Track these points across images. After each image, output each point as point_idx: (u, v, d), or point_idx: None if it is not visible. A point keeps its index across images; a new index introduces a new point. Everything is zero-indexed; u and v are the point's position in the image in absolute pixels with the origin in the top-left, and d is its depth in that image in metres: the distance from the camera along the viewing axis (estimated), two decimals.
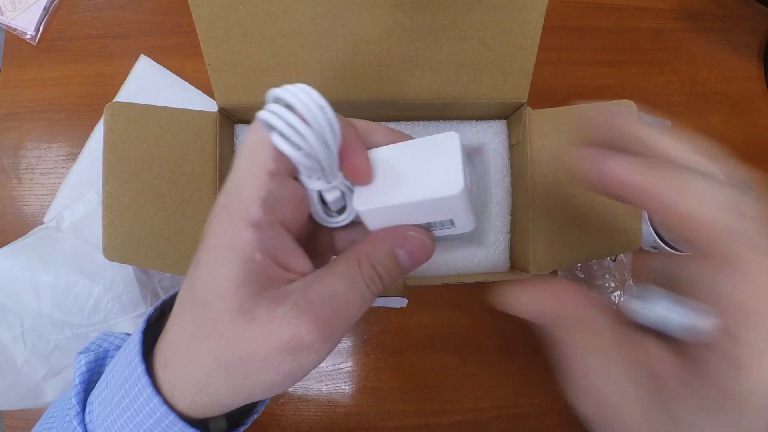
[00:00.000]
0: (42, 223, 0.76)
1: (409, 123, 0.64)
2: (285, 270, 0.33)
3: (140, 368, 0.34)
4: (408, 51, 0.55)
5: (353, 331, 0.77)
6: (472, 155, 0.69)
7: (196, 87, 0.80)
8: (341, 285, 0.33)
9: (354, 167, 0.36)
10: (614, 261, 0.80)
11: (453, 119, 0.65)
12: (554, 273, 0.80)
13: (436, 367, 0.77)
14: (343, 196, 0.37)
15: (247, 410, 0.42)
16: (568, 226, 0.59)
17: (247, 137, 0.35)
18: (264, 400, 0.43)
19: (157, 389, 0.34)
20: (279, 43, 0.53)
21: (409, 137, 0.39)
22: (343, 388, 0.76)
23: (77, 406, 0.37)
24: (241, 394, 0.34)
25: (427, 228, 0.36)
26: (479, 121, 0.65)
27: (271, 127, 0.31)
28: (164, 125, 0.55)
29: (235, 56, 0.54)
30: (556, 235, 0.59)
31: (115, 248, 0.55)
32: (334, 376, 0.76)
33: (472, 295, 0.78)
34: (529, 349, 0.78)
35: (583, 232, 0.59)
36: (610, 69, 0.85)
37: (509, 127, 0.65)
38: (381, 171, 0.36)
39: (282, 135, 0.31)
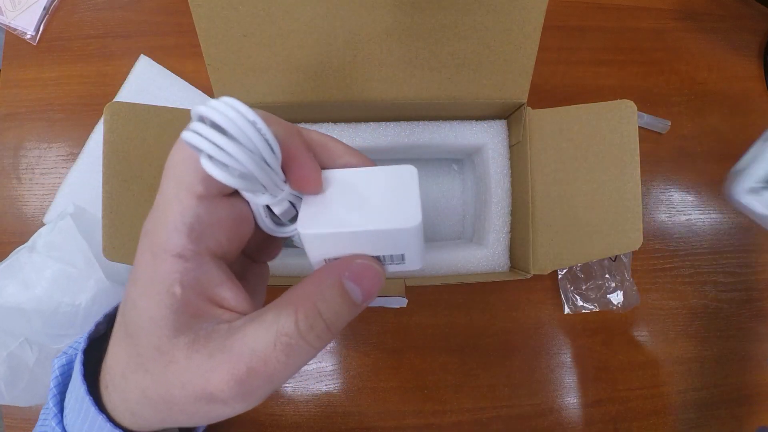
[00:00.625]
0: (42, 223, 0.76)
1: (409, 123, 0.64)
2: (214, 304, 0.31)
3: (83, 389, 0.33)
4: (408, 51, 0.55)
5: (353, 331, 0.77)
6: (472, 155, 0.69)
7: (196, 87, 0.80)
8: (265, 339, 0.28)
9: (300, 178, 0.33)
10: (614, 261, 0.80)
11: (453, 119, 0.65)
12: (554, 273, 0.80)
13: (436, 367, 0.77)
14: (294, 206, 0.34)
15: None
16: (568, 227, 0.59)
17: (171, 156, 0.31)
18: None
19: (101, 407, 0.33)
20: (279, 43, 0.53)
21: (368, 160, 0.37)
22: (343, 388, 0.76)
23: (54, 409, 0.37)
24: (168, 424, 0.32)
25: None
26: (479, 121, 0.65)
27: (198, 150, 0.27)
28: (164, 125, 0.55)
29: (235, 56, 0.54)
30: (556, 235, 0.59)
31: (115, 248, 0.55)
32: (334, 376, 0.76)
33: (472, 295, 0.78)
34: (529, 349, 0.78)
35: (583, 233, 0.59)
36: (610, 69, 0.85)
37: (509, 127, 0.65)
38: (333, 194, 0.34)
39: (210, 157, 0.27)
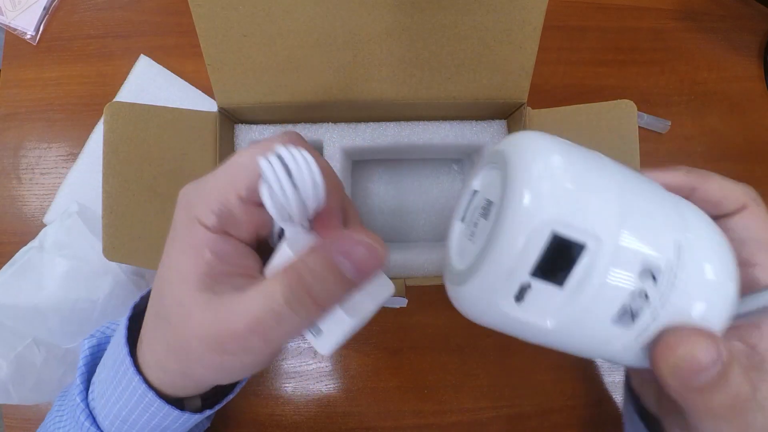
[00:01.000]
0: (42, 223, 0.76)
1: (409, 123, 0.64)
2: (237, 273, 0.35)
3: (124, 350, 0.39)
4: (408, 51, 0.55)
5: None
6: (471, 155, 0.69)
7: (196, 87, 0.80)
8: (258, 302, 0.32)
9: (324, 230, 0.37)
10: None
11: (453, 119, 0.65)
12: None
13: (436, 367, 0.77)
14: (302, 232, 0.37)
15: (223, 391, 0.47)
16: None
17: (239, 155, 0.36)
18: (236, 384, 0.48)
19: (139, 369, 0.39)
20: (279, 43, 0.53)
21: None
22: (343, 388, 0.76)
23: (81, 386, 0.43)
24: (189, 380, 0.38)
25: None
26: (479, 121, 0.65)
27: (265, 178, 0.32)
28: (164, 125, 0.56)
29: (235, 56, 0.54)
30: None
31: (115, 248, 0.55)
32: (334, 376, 0.76)
33: None
34: (529, 349, 0.78)
35: None
36: (610, 69, 0.85)
37: (509, 127, 0.65)
38: None
39: (271, 190, 0.32)
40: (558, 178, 0.28)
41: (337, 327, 0.36)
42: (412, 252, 0.64)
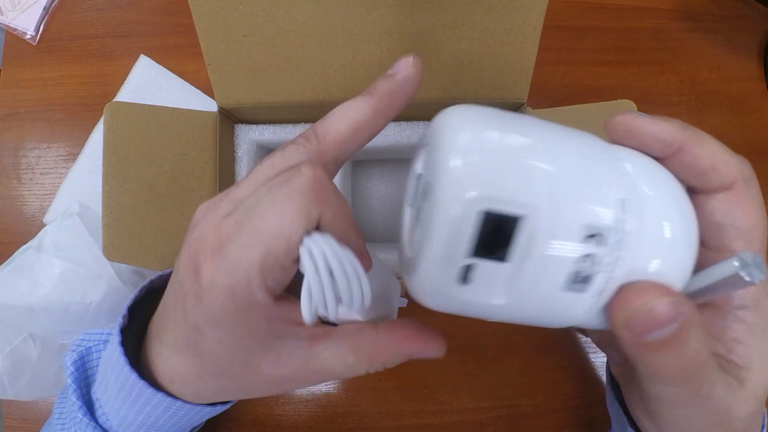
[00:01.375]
0: (42, 223, 0.76)
1: (409, 123, 0.64)
2: (292, 324, 0.36)
3: (133, 377, 0.39)
4: (408, 51, 0.54)
5: None
6: None
7: (196, 87, 0.80)
8: (341, 370, 0.36)
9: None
10: None
11: None
12: None
13: (436, 367, 0.77)
14: None
15: None
16: None
17: (260, 216, 0.32)
18: None
19: (157, 386, 0.39)
20: (279, 43, 0.53)
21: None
22: (343, 388, 0.76)
23: (78, 402, 0.43)
24: (226, 397, 0.41)
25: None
26: None
27: (305, 268, 0.30)
28: (164, 125, 0.56)
29: (235, 56, 0.54)
30: None
31: (115, 248, 0.55)
32: None
33: None
34: (529, 349, 0.78)
35: None
36: (610, 69, 0.85)
37: None
38: None
39: (309, 297, 0.31)
40: (481, 151, 0.27)
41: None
42: None
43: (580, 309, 0.29)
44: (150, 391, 0.38)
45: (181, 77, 0.80)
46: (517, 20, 0.54)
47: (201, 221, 0.35)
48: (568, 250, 0.26)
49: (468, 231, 0.26)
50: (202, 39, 0.53)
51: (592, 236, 0.26)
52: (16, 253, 0.68)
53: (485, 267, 0.27)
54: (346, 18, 0.52)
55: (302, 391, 0.75)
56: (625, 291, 0.28)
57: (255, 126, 0.63)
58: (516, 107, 0.60)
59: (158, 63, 0.81)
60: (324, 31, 0.53)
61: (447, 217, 0.26)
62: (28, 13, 0.81)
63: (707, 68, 0.87)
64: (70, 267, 0.66)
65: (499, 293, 0.28)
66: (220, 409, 0.44)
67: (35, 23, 0.81)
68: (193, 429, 0.50)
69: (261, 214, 0.32)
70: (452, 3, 0.52)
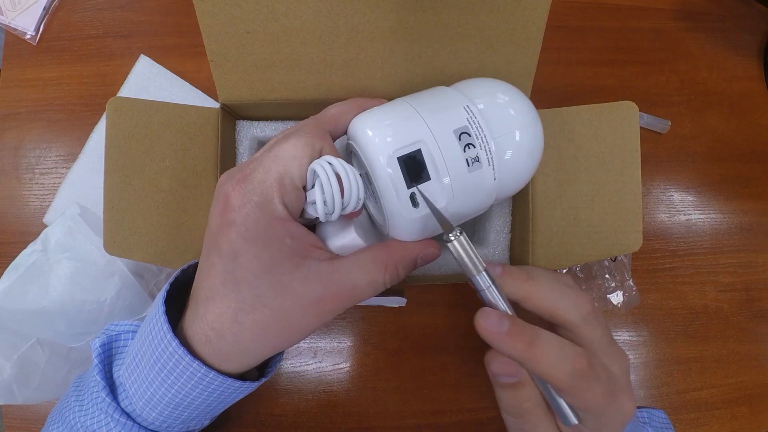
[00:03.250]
0: (42, 223, 0.76)
1: None
2: (313, 247, 0.42)
3: (174, 343, 0.41)
4: (411, 49, 0.55)
5: (353, 331, 0.77)
6: None
7: (196, 87, 0.80)
8: (364, 280, 0.42)
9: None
10: (614, 261, 0.80)
11: None
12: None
13: (436, 367, 0.77)
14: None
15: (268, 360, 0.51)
16: (568, 227, 0.59)
17: (280, 147, 0.42)
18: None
19: (196, 357, 0.41)
20: (282, 40, 0.53)
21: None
22: (343, 388, 0.76)
23: (102, 381, 0.45)
24: (269, 349, 0.42)
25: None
26: None
27: (318, 184, 0.41)
28: (166, 121, 0.56)
29: (238, 52, 0.54)
30: (556, 236, 0.59)
31: (116, 243, 0.55)
32: (334, 376, 0.76)
33: (472, 295, 0.77)
34: None
35: (583, 233, 0.59)
36: (611, 69, 0.85)
37: None
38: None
39: (322, 192, 0.40)
40: (381, 129, 0.42)
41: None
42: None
43: (488, 181, 0.43)
44: (188, 358, 0.40)
45: (181, 77, 0.80)
46: (520, 20, 0.54)
47: (226, 180, 0.42)
48: (455, 147, 0.41)
49: (399, 173, 0.41)
50: (205, 35, 0.52)
51: (462, 133, 0.42)
52: (19, 258, 0.67)
53: (422, 189, 0.41)
54: (349, 16, 0.52)
55: (302, 391, 0.75)
56: (479, 322, 0.42)
57: (257, 123, 0.63)
58: None
59: (158, 63, 0.81)
60: (327, 28, 0.53)
61: (384, 172, 0.41)
62: (28, 13, 0.81)
63: (707, 68, 0.87)
64: (80, 267, 0.66)
65: (439, 200, 0.42)
66: (248, 387, 0.45)
67: (35, 23, 0.81)
68: (213, 417, 0.51)
69: (278, 147, 0.42)
70: (455, 2, 0.52)
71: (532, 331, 0.41)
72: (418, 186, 0.41)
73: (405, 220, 0.42)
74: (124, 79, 0.80)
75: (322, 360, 0.76)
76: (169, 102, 0.56)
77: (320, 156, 0.42)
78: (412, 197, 0.41)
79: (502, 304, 0.43)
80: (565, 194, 0.59)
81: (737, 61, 0.87)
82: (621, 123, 0.58)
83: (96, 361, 0.46)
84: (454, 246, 0.42)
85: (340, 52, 0.54)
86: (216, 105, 0.58)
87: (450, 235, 0.41)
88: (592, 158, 0.59)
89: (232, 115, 0.61)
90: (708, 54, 0.87)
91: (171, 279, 0.47)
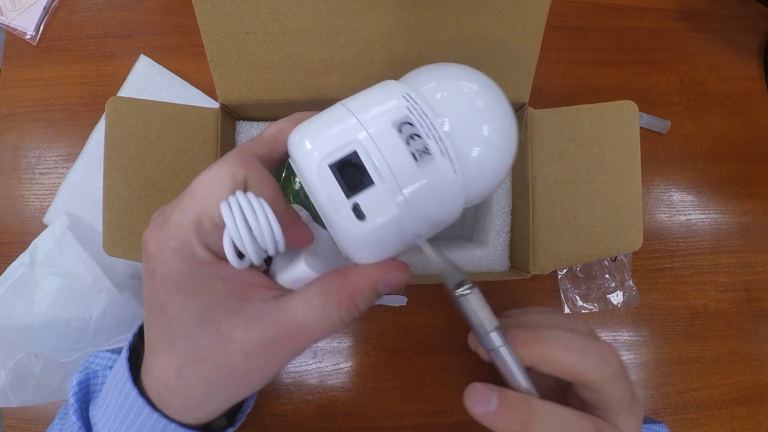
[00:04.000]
0: (42, 223, 0.76)
1: None
2: (254, 286, 0.37)
3: (134, 393, 0.38)
4: (410, 49, 0.55)
5: (353, 331, 0.77)
6: None
7: (196, 87, 0.80)
8: (315, 318, 0.36)
9: (296, 238, 0.40)
10: (614, 261, 0.80)
11: None
12: (554, 273, 0.80)
13: (436, 367, 0.77)
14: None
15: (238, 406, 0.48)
16: (569, 226, 0.59)
17: (198, 183, 0.37)
18: (253, 395, 0.49)
19: (155, 408, 0.38)
20: (281, 40, 0.54)
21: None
22: (343, 388, 0.76)
23: (78, 422, 0.42)
24: (222, 404, 0.38)
25: None
26: None
27: (226, 230, 0.34)
28: (166, 121, 0.56)
29: (237, 53, 0.54)
30: (556, 235, 0.59)
31: (116, 243, 0.55)
32: (334, 376, 0.76)
33: None
34: None
35: (583, 233, 0.59)
36: (611, 69, 0.85)
37: None
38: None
39: (230, 238, 0.34)
40: (309, 139, 0.36)
41: None
42: (411, 251, 0.64)
43: (447, 175, 0.36)
44: (148, 409, 0.37)
45: (181, 77, 0.80)
46: (520, 20, 0.54)
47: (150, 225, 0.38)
48: (396, 141, 0.34)
49: (333, 182, 0.34)
50: (205, 35, 0.53)
51: (403, 124, 0.35)
52: (7, 272, 0.67)
53: (365, 198, 0.34)
54: (348, 15, 0.53)
55: (302, 391, 0.75)
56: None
57: (256, 123, 0.63)
58: (518, 107, 0.60)
59: (158, 63, 0.81)
60: (326, 28, 0.53)
61: (316, 185, 0.34)
62: (28, 13, 0.81)
63: (707, 68, 0.87)
64: (66, 283, 0.65)
65: (389, 207, 0.35)
66: None
67: (35, 23, 0.81)
68: None
69: (196, 182, 0.36)
70: (455, 2, 0.52)
71: (526, 408, 0.39)
72: (362, 193, 0.34)
73: (352, 237, 0.36)
74: (124, 79, 0.80)
75: (322, 360, 0.76)
76: (168, 102, 0.56)
77: (244, 187, 0.36)
78: (356, 208, 0.35)
79: (515, 367, 0.40)
80: (565, 194, 0.59)
81: (737, 61, 0.87)
82: (621, 123, 0.58)
83: (72, 400, 0.44)
84: (467, 301, 0.39)
85: (339, 52, 0.54)
86: (216, 105, 0.58)
87: (464, 289, 0.38)
88: (592, 158, 0.59)
89: (231, 115, 0.61)
90: (708, 54, 0.87)
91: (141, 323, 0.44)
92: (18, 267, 0.67)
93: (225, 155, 0.38)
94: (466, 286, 0.38)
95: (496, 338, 0.40)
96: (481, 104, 0.39)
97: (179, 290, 0.35)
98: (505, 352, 0.40)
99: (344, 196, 0.34)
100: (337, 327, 0.37)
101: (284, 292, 0.38)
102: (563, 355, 0.41)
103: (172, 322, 0.35)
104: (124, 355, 0.41)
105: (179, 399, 0.37)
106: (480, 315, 0.39)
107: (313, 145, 0.35)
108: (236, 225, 0.34)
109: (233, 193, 0.35)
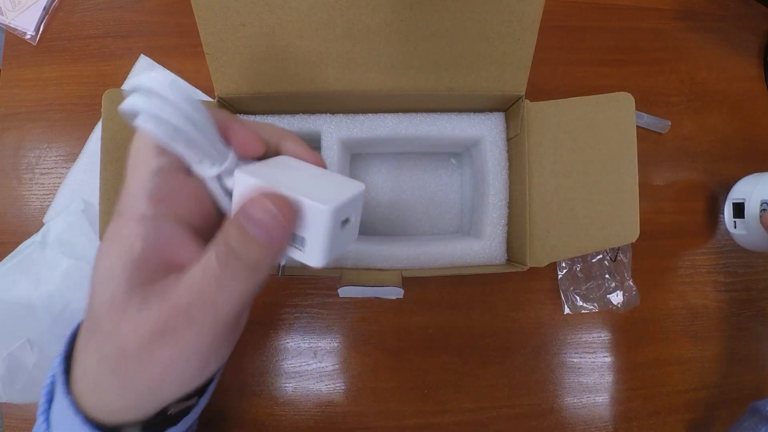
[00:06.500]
0: (42, 223, 0.76)
1: (407, 114, 0.64)
2: (172, 262, 0.33)
3: (61, 389, 0.35)
4: (406, 42, 0.55)
5: (353, 331, 0.77)
6: (470, 148, 0.69)
7: (196, 87, 0.80)
8: (199, 274, 0.32)
9: (240, 141, 0.36)
10: (614, 261, 0.80)
11: (451, 111, 0.65)
12: (554, 273, 0.79)
13: (436, 367, 0.77)
14: None
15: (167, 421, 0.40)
16: (565, 219, 0.59)
17: (132, 145, 0.36)
18: (185, 415, 0.41)
19: (74, 397, 0.35)
20: (278, 33, 0.54)
21: (319, 157, 0.41)
22: (343, 388, 0.75)
23: (44, 424, 0.38)
24: (129, 393, 0.33)
25: None
26: (477, 114, 0.65)
27: (134, 114, 0.30)
28: None
29: (234, 45, 0.54)
30: (553, 228, 0.59)
31: None
32: (334, 376, 0.75)
33: (472, 295, 0.78)
34: (529, 349, 0.78)
35: (580, 225, 0.59)
36: (611, 69, 0.85)
37: (507, 119, 0.65)
38: (277, 168, 0.37)
39: (146, 115, 0.30)
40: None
41: (318, 224, 0.34)
42: (409, 245, 0.64)
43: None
44: (66, 400, 0.35)
45: (181, 77, 0.80)
46: (516, 12, 0.54)
47: None
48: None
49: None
50: (201, 28, 0.53)
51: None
52: (20, 247, 0.67)
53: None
54: (344, 8, 0.53)
55: (302, 391, 0.75)
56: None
57: (253, 116, 0.64)
58: (514, 100, 0.61)
59: (158, 63, 0.81)
60: (323, 21, 0.53)
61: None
62: (28, 13, 0.81)
63: (707, 68, 0.87)
64: (74, 264, 0.66)
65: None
66: None
67: (35, 23, 0.81)
68: None
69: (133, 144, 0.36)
70: None
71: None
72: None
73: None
74: (124, 80, 0.80)
75: (322, 360, 0.76)
76: None
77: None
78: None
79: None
80: (562, 186, 0.59)
81: (737, 61, 0.87)
82: (617, 114, 0.59)
83: (43, 399, 0.40)
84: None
85: (336, 45, 0.55)
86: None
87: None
88: (589, 149, 0.59)
89: (228, 108, 0.61)
90: (708, 54, 0.87)
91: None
92: (29, 245, 0.67)
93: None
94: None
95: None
96: None
97: (101, 247, 0.34)
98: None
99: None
100: (221, 281, 0.32)
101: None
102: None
103: (91, 281, 0.33)
104: (62, 349, 0.39)
105: (80, 374, 0.35)
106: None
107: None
108: (147, 101, 0.30)
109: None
